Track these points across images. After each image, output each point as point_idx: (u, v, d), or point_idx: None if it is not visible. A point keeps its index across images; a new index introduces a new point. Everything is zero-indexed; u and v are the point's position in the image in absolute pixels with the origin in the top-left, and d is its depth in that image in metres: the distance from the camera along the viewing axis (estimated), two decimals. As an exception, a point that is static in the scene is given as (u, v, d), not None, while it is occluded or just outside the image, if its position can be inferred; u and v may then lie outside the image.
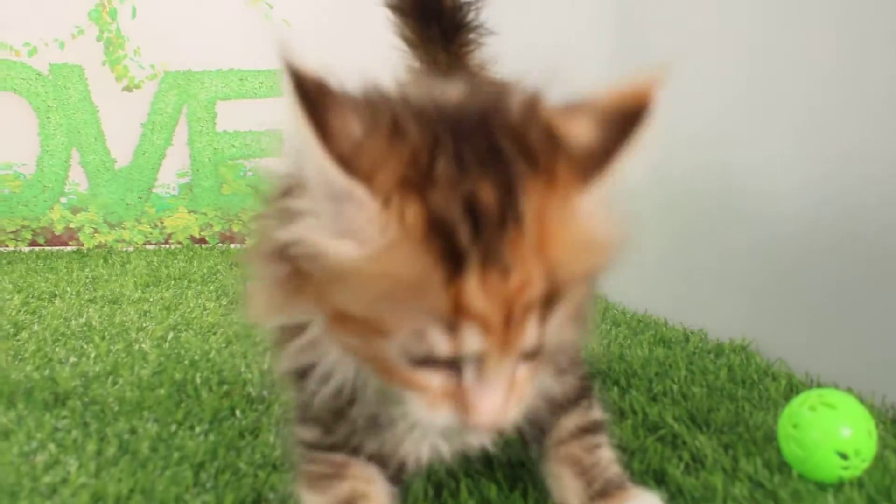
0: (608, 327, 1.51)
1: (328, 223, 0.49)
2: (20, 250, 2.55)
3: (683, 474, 0.82)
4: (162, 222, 2.63)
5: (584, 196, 0.51)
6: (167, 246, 2.63)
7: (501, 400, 0.53)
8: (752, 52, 1.35)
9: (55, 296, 1.80)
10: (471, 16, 0.99)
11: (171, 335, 1.41)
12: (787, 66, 1.27)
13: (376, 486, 0.67)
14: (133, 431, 0.94)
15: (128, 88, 2.57)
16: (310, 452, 0.69)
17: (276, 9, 2.58)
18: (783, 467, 0.83)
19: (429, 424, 0.56)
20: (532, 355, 0.53)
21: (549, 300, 0.50)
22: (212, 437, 0.91)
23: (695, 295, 1.53)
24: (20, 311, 1.63)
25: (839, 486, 0.78)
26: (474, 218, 0.47)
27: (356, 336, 0.52)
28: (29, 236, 2.58)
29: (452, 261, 0.47)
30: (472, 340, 0.49)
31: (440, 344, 0.50)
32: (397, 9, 0.98)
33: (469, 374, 0.52)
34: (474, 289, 0.48)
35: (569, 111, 0.53)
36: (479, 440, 0.66)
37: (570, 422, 0.74)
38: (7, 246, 2.57)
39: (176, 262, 2.30)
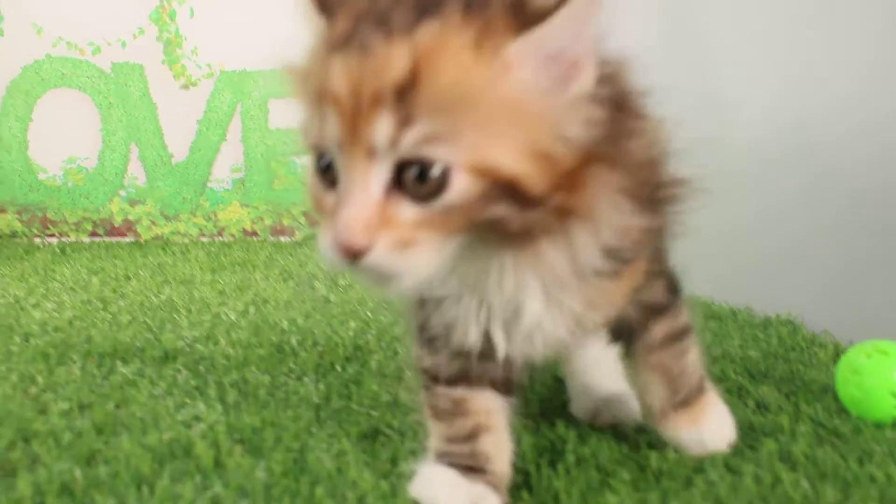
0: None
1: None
2: (81, 240, 2.66)
3: (754, 414, 0.91)
4: (216, 215, 2.74)
5: (509, 45, 0.52)
6: (220, 238, 2.73)
7: (359, 206, 0.52)
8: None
9: (129, 278, 1.91)
10: None
11: (252, 309, 1.51)
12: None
13: (496, 417, 0.71)
14: (246, 381, 1.04)
15: (185, 86, 2.68)
16: (432, 386, 0.73)
17: (327, 10, 2.69)
18: (842, 413, 0.91)
19: (324, 253, 0.55)
20: (421, 195, 0.52)
21: (406, 94, 0.51)
22: (321, 386, 1.01)
23: (738, 274, 1.61)
24: (102, 289, 1.74)
25: (894, 423, 0.87)
26: (366, 24, 0.53)
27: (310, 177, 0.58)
28: (89, 227, 2.69)
29: (333, 43, 0.53)
30: (329, 123, 0.52)
31: (313, 129, 0.54)
32: None
33: (343, 179, 0.54)
34: (336, 66, 0.52)
35: None
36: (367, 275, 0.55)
37: (660, 329, 0.76)
38: (69, 236, 2.69)
39: (232, 251, 2.40)
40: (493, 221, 0.53)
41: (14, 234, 2.66)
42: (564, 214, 0.55)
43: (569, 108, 0.54)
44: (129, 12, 2.63)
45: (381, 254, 0.52)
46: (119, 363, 1.13)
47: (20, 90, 2.61)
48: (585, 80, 0.54)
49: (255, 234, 2.75)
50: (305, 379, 1.04)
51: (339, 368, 1.09)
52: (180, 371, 1.08)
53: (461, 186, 0.52)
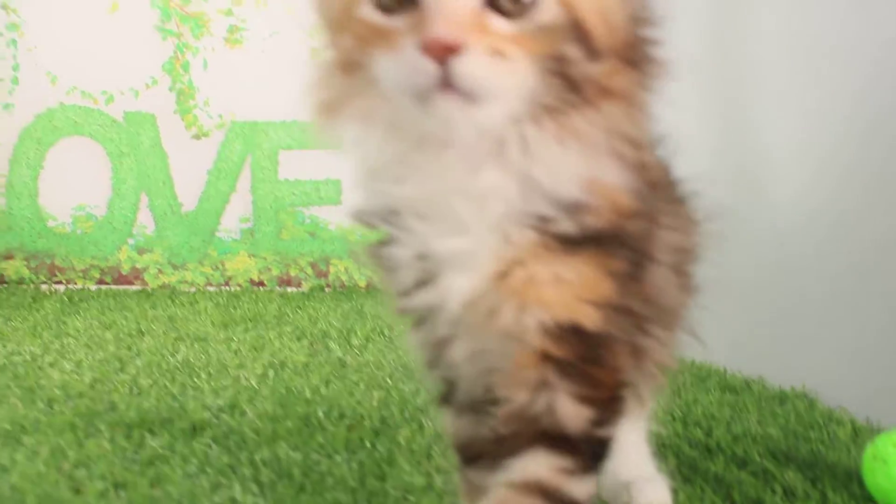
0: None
1: None
2: (88, 288, 2.67)
3: (782, 502, 0.92)
4: (223, 264, 2.75)
5: None
6: (227, 288, 2.74)
7: (456, 6, 0.52)
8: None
9: (142, 333, 1.91)
10: None
11: (271, 373, 1.52)
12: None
13: None
14: (278, 458, 1.05)
15: (196, 136, 2.71)
16: (462, 467, 0.70)
17: (338, 64, 2.73)
18: (868, 501, 0.93)
19: (391, 77, 0.55)
20: (510, 11, 0.53)
21: None
22: (354, 465, 1.02)
23: (752, 342, 1.63)
24: (117, 346, 1.75)
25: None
26: None
27: (347, 31, 0.57)
28: (97, 275, 2.70)
29: None
30: None
31: None
32: None
33: None
34: None
35: None
36: (453, 108, 0.54)
37: (534, 468, 0.60)
38: (76, 284, 2.69)
39: (241, 303, 2.41)
40: (563, 60, 0.54)
41: (21, 281, 2.66)
42: (605, 92, 0.56)
43: None
44: (142, 63, 2.66)
45: (474, 56, 0.51)
46: (147, 435, 1.14)
47: (32, 137, 2.63)
48: None
49: (262, 283, 2.76)
50: (337, 457, 1.05)
51: (368, 445, 1.10)
52: (211, 446, 1.09)
53: (550, 8, 0.54)
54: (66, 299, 2.42)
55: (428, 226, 0.59)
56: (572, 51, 0.55)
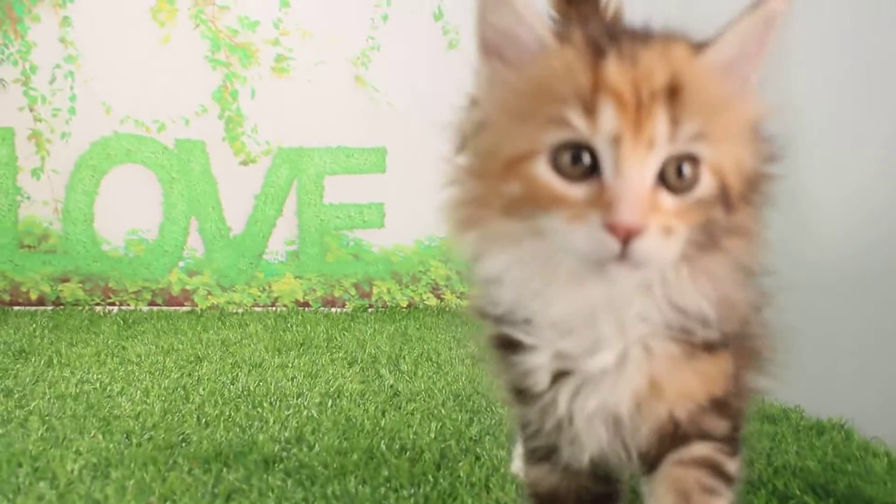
0: (712, 401, 1.67)
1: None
2: (141, 310, 2.77)
3: (825, 541, 0.99)
4: (270, 286, 2.84)
5: (700, 56, 0.63)
6: (274, 308, 2.83)
7: (640, 191, 0.58)
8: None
9: (200, 359, 2.00)
10: None
11: (329, 402, 1.59)
12: None
13: None
14: (348, 493, 1.12)
15: (244, 163, 2.80)
16: None
17: (381, 92, 2.81)
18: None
19: (572, 245, 0.60)
20: (678, 188, 0.61)
21: (675, 97, 0.59)
22: (420, 499, 1.09)
23: (789, 372, 1.68)
24: (179, 374, 1.83)
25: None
26: (613, 36, 0.62)
27: (515, 179, 0.62)
28: (148, 297, 2.80)
29: (596, 52, 0.61)
30: (607, 117, 0.58)
31: (581, 125, 0.59)
32: None
33: (608, 166, 0.59)
34: (611, 67, 0.59)
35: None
36: (622, 273, 0.61)
37: (699, 449, 0.74)
38: (128, 305, 2.79)
39: (290, 325, 2.49)
40: (710, 222, 0.63)
41: (77, 303, 2.77)
42: (731, 232, 0.65)
43: (751, 132, 0.66)
44: (192, 92, 2.75)
45: (652, 237, 0.59)
46: (224, 469, 1.21)
47: (88, 165, 2.73)
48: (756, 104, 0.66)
49: (307, 304, 2.85)
50: (403, 492, 1.12)
51: (431, 479, 1.17)
52: (285, 480, 1.17)
53: (707, 183, 0.62)
54: (122, 321, 2.52)
55: (573, 341, 0.69)
56: (718, 212, 0.63)
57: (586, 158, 0.60)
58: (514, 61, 0.65)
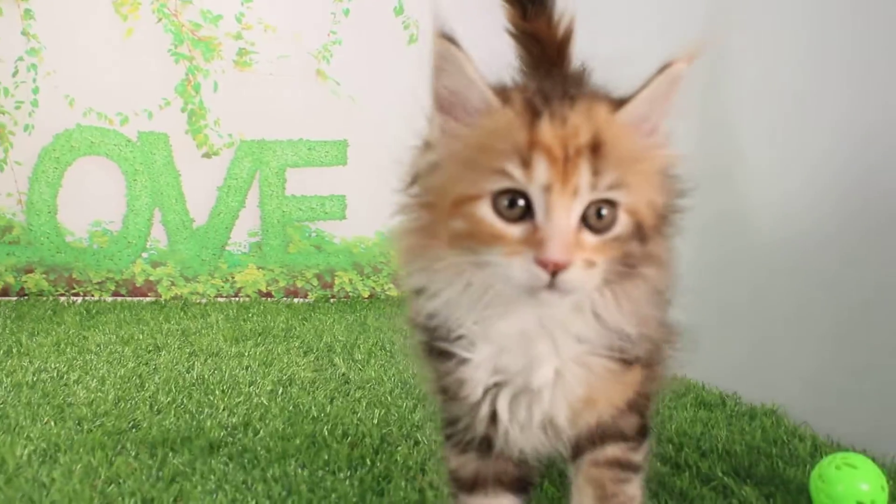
0: (654, 388, 1.72)
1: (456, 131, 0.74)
2: (105, 300, 2.79)
3: (736, 519, 1.04)
4: (233, 277, 2.87)
5: (618, 113, 0.73)
6: (237, 299, 2.86)
7: (566, 232, 0.68)
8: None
9: (158, 349, 2.03)
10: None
11: (280, 390, 1.63)
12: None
13: None
14: (287, 475, 1.17)
15: (207, 155, 2.82)
16: (458, 494, 0.89)
17: (343, 85, 2.85)
18: (814, 516, 1.05)
19: (508, 276, 0.69)
20: (598, 228, 0.71)
21: (596, 152, 0.69)
22: (356, 482, 1.14)
23: (728, 360, 1.74)
24: (136, 363, 1.86)
25: (859, 531, 1.01)
26: (546, 98, 0.72)
27: (461, 217, 0.71)
28: (112, 287, 2.83)
29: (532, 113, 0.71)
30: (540, 170, 0.68)
31: (518, 176, 0.69)
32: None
33: (539, 211, 0.69)
34: (544, 128, 0.69)
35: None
36: (552, 298, 0.71)
37: (612, 451, 0.86)
38: (93, 295, 2.82)
39: (251, 316, 2.53)
40: (628, 253, 0.73)
41: (41, 293, 2.79)
42: (646, 260, 0.75)
43: (661, 174, 0.77)
44: (155, 85, 2.77)
45: (576, 270, 0.69)
46: (170, 453, 1.25)
47: (51, 157, 2.75)
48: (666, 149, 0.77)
49: (269, 295, 2.88)
50: (340, 474, 1.17)
51: (368, 462, 1.22)
52: (227, 464, 1.21)
53: (624, 222, 0.72)
54: (85, 311, 2.54)
55: (510, 358, 0.79)
56: (634, 246, 0.73)
57: (521, 203, 0.70)
58: (463, 117, 0.75)
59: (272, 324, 2.38)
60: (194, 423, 1.41)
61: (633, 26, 2.12)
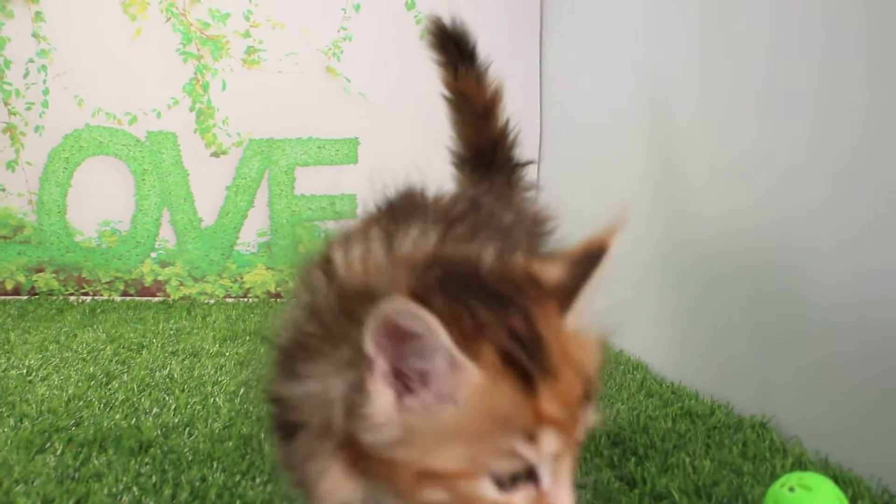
0: (642, 398, 1.62)
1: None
2: (113, 299, 2.78)
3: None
4: (242, 277, 2.84)
5: (568, 315, 0.65)
6: (245, 300, 2.82)
7: (572, 492, 0.64)
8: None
9: (143, 347, 1.99)
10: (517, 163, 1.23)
11: (242, 390, 1.57)
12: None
13: None
14: (203, 480, 1.10)
15: (215, 154, 2.79)
16: None
17: (353, 82, 2.79)
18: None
19: None
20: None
21: (588, 394, 0.64)
22: (269, 488, 1.07)
23: (724, 368, 1.63)
24: (112, 361, 1.83)
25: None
26: (520, 342, 0.61)
27: (440, 489, 0.61)
28: (121, 287, 2.81)
29: (524, 379, 0.60)
30: (550, 441, 0.60)
31: (528, 454, 0.60)
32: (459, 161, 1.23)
33: (546, 477, 0.62)
34: (546, 401, 0.60)
35: (547, 261, 0.69)
36: None
37: None
38: (102, 295, 2.80)
39: (253, 315, 2.48)
40: None
41: (51, 293, 2.78)
42: None
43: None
44: (164, 84, 2.75)
45: None
46: (94, 453, 1.20)
47: (61, 158, 2.75)
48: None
49: (278, 295, 2.84)
50: (258, 480, 1.10)
51: (294, 469, 1.14)
52: (147, 465, 1.15)
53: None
54: (89, 311, 2.53)
55: None
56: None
57: (525, 472, 0.62)
58: (423, 385, 0.61)
59: (269, 324, 2.32)
60: (134, 422, 1.35)
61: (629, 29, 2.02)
